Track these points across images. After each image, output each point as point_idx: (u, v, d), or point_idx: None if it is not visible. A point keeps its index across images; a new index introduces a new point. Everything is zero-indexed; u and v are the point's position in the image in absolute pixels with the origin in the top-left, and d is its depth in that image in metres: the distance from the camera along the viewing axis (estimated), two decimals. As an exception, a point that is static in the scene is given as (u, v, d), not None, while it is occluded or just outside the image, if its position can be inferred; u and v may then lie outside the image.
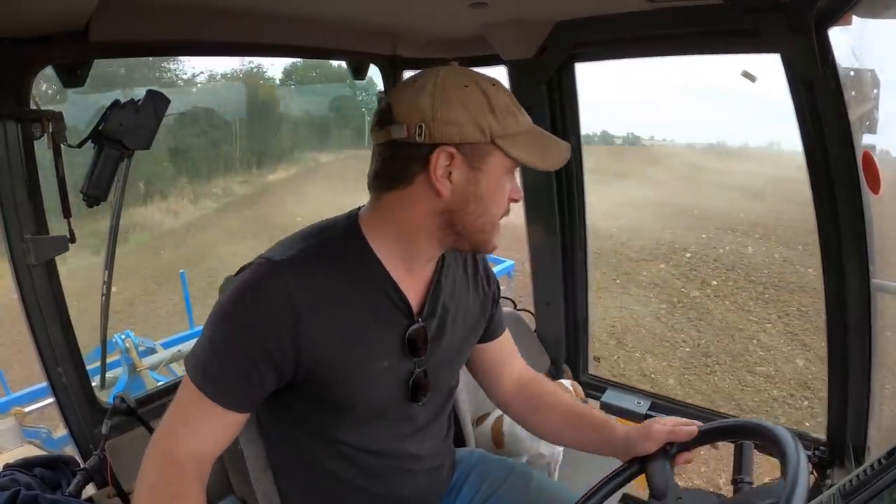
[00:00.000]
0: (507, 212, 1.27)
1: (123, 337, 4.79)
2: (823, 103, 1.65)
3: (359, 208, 1.29)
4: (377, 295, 1.23)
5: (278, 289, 1.13)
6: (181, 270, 7.42)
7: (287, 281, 1.14)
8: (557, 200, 2.51)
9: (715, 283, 9.40)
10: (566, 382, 2.23)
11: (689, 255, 10.32)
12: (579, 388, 2.27)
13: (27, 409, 3.86)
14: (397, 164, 1.17)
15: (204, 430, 1.17)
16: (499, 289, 1.54)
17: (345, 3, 1.88)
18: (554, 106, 2.38)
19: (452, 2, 1.86)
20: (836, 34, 1.54)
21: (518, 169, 1.27)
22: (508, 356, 1.61)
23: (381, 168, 1.20)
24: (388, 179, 1.20)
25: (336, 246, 1.22)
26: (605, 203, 11.56)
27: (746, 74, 1.98)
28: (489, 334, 1.53)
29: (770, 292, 8.93)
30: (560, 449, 2.20)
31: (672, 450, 1.31)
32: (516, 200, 1.28)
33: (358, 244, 1.22)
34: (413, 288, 1.28)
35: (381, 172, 1.20)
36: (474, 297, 1.44)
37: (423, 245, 1.24)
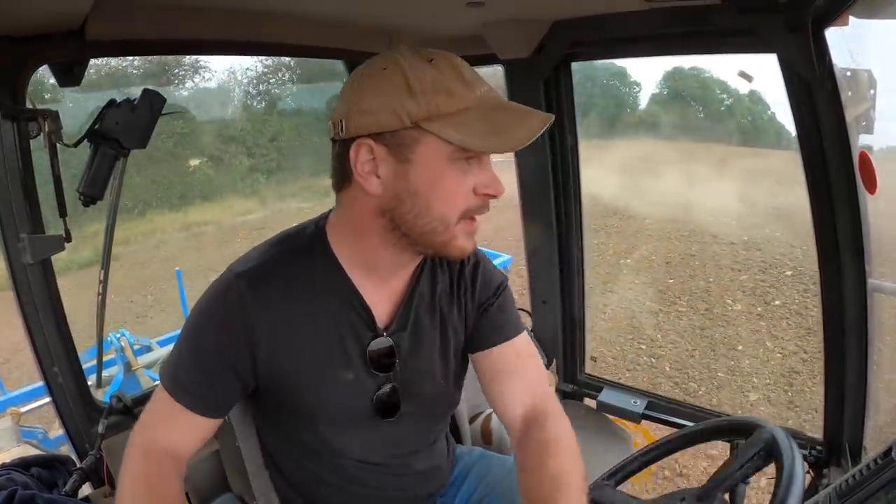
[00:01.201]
0: (478, 209, 1.14)
1: (118, 336, 4.77)
2: (820, 103, 1.66)
3: (329, 211, 1.26)
4: (340, 305, 1.20)
5: (233, 300, 1.15)
6: (177, 269, 7.35)
7: (242, 292, 1.14)
8: (554, 199, 2.51)
9: None
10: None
11: None
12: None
13: (23, 410, 3.86)
14: (337, 163, 1.15)
15: (177, 431, 1.20)
16: (496, 294, 1.37)
17: (341, 2, 1.87)
18: (551, 105, 2.37)
19: (449, 1, 1.85)
20: (832, 34, 1.54)
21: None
22: (503, 376, 1.35)
23: (332, 167, 1.17)
24: (335, 179, 1.18)
25: (300, 254, 1.21)
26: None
27: (743, 74, 1.98)
28: (479, 343, 1.36)
29: None
30: None
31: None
32: (491, 196, 1.14)
33: (322, 251, 1.20)
34: (382, 300, 1.24)
35: (332, 172, 1.18)
36: (464, 306, 1.34)
37: (380, 251, 1.17)
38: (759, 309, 7.92)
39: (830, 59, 1.57)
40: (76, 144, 1.69)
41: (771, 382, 6.16)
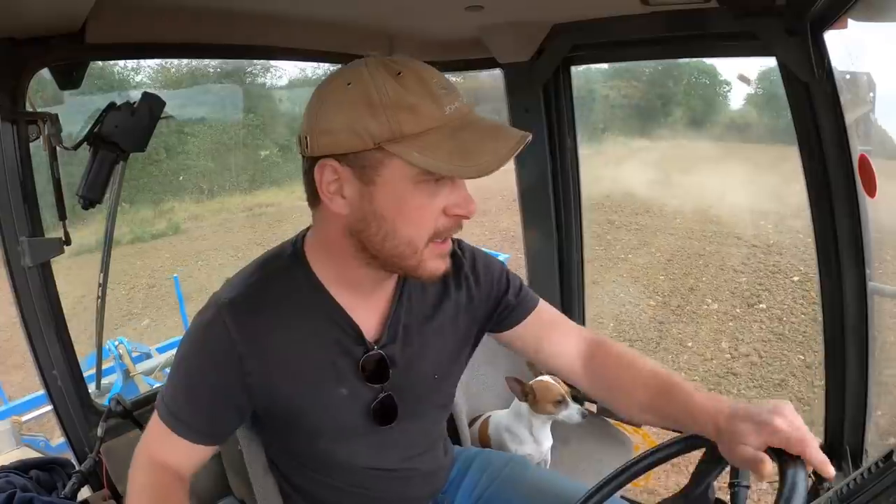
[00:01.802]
0: (448, 230, 1.09)
1: (116, 343, 4.78)
2: (819, 106, 1.66)
3: (307, 229, 1.24)
4: (326, 324, 1.19)
5: (219, 332, 1.13)
6: (174, 275, 7.63)
7: (227, 323, 1.12)
8: (554, 202, 2.51)
9: None
10: (547, 377, 2.22)
11: None
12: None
13: (24, 419, 3.87)
14: (305, 180, 1.11)
15: (175, 454, 1.20)
16: (505, 279, 1.40)
17: (340, 6, 1.87)
18: (550, 109, 2.38)
19: (448, 4, 1.86)
20: (831, 37, 1.54)
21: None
22: (548, 332, 1.42)
23: (304, 183, 1.13)
24: (308, 196, 1.14)
25: (281, 277, 1.19)
26: None
27: (742, 77, 1.98)
28: (509, 320, 1.41)
29: None
30: (547, 449, 2.21)
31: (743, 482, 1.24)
32: (463, 217, 1.09)
33: (302, 272, 1.18)
34: (368, 314, 1.23)
35: (305, 188, 1.14)
36: (458, 305, 1.34)
37: (356, 269, 1.15)
38: (737, 310, 8.02)
39: (829, 63, 1.57)
40: (76, 147, 1.68)
41: (698, 379, 6.22)
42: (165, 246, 11.92)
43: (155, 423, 1.20)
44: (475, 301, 1.36)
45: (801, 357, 6.67)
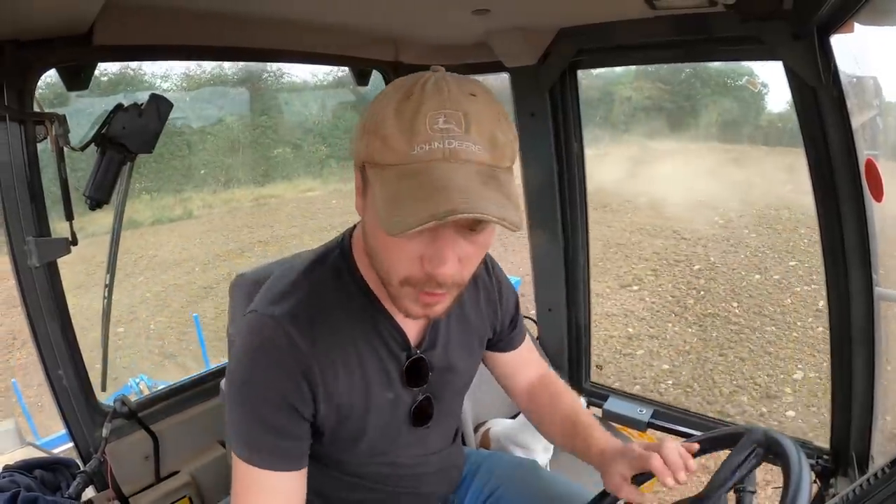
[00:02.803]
0: (422, 283, 1.00)
1: (138, 381, 4.79)
2: (826, 110, 1.66)
3: (354, 227, 1.21)
4: (375, 330, 1.17)
5: (284, 346, 1.09)
6: (194, 314, 8.03)
7: (292, 336, 1.09)
8: (560, 206, 2.51)
9: None
10: None
11: None
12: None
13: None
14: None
15: (276, 497, 1.12)
16: (516, 308, 1.45)
17: (347, 9, 1.88)
18: (556, 112, 2.38)
19: (455, 9, 1.86)
20: (838, 42, 1.54)
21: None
22: (521, 367, 1.54)
23: None
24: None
25: (332, 283, 1.16)
26: None
27: (751, 82, 1.98)
28: (501, 346, 1.48)
29: None
30: (547, 457, 2.21)
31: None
32: (432, 276, 0.97)
33: (351, 277, 1.16)
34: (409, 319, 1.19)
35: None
36: (484, 313, 1.36)
37: None
38: (607, 289, 8.73)
39: (836, 67, 1.57)
40: (83, 148, 1.69)
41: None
42: (178, 228, 13.30)
43: (237, 481, 1.12)
44: (497, 315, 1.40)
45: (630, 329, 7.56)
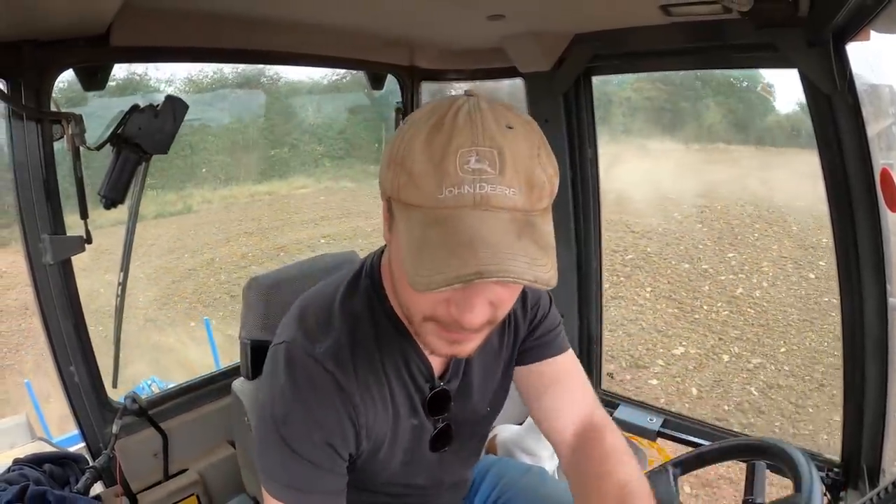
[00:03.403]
0: (447, 324, 0.95)
1: (150, 382, 4.81)
2: (841, 119, 1.64)
3: (382, 250, 1.17)
4: (404, 360, 1.15)
5: (328, 385, 1.07)
6: (205, 318, 8.40)
7: (335, 375, 1.07)
8: (573, 212, 2.50)
9: None
10: None
11: None
12: None
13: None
14: None
15: None
16: (546, 311, 1.31)
17: (362, 14, 1.89)
18: (570, 118, 2.38)
19: (470, 14, 1.87)
20: (853, 49, 1.53)
21: None
22: (561, 386, 1.31)
23: None
24: None
25: (364, 318, 1.12)
26: None
27: (765, 89, 1.97)
28: (530, 355, 1.31)
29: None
30: (554, 464, 2.19)
31: (677, 471, 1.28)
32: (458, 321, 0.93)
33: (381, 308, 1.13)
34: None
35: None
36: (504, 339, 1.29)
37: None
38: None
39: (851, 75, 1.55)
40: (99, 148, 1.71)
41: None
42: (178, 221, 14.07)
43: None
44: (519, 332, 1.30)
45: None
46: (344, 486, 1.13)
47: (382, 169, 0.93)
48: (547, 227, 0.89)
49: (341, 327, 1.11)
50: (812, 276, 9.56)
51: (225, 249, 12.59)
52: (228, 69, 13.99)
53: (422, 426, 1.21)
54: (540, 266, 0.83)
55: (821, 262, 9.72)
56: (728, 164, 12.89)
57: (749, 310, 8.89)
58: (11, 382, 8.01)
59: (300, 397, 1.06)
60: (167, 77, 13.21)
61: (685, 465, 1.33)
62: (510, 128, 0.86)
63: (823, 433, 6.12)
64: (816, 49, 1.57)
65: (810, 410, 6.78)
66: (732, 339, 7.73)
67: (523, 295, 1.26)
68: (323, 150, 16.56)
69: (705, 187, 12.00)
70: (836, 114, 1.64)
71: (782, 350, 7.88)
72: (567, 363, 1.33)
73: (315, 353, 1.08)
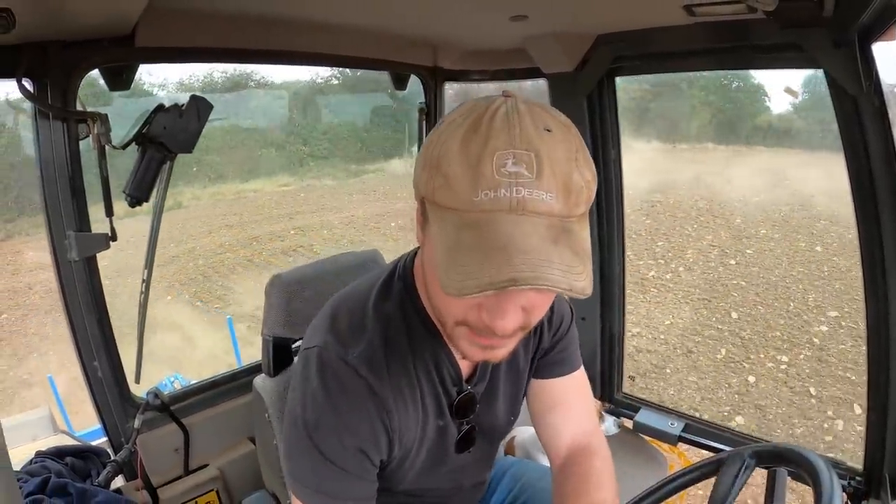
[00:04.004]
0: (480, 329, 0.94)
1: (173, 379, 4.86)
2: (867, 119, 1.61)
3: (415, 253, 1.17)
4: (435, 363, 1.15)
5: (365, 393, 1.07)
6: (228, 317, 8.96)
7: (369, 380, 1.07)
8: (597, 215, 2.48)
9: None
10: None
11: None
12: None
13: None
14: None
15: None
16: (568, 327, 1.34)
17: (386, 14, 1.90)
18: (594, 120, 2.35)
19: (493, 14, 1.87)
20: (879, 49, 1.50)
21: None
22: (566, 404, 1.35)
23: None
24: None
25: (397, 322, 1.12)
26: None
27: (789, 90, 1.94)
28: (545, 371, 1.34)
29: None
30: None
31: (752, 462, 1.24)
32: (491, 332, 0.92)
33: (414, 311, 1.13)
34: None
35: None
36: (528, 346, 1.30)
37: None
38: None
39: (878, 75, 1.53)
40: (124, 147, 1.73)
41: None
42: (169, 216, 14.94)
43: None
44: (543, 342, 1.31)
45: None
46: (374, 493, 1.14)
47: (417, 170, 0.92)
48: (584, 233, 0.87)
49: (374, 331, 1.10)
50: (733, 262, 10.31)
51: (206, 240, 14.01)
52: (218, 72, 15.32)
53: (447, 428, 1.21)
54: (575, 274, 0.81)
55: (748, 251, 10.50)
56: (705, 163, 13.62)
57: (652, 289, 9.77)
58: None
59: (332, 403, 1.06)
60: (160, 81, 13.92)
61: (707, 470, 1.30)
62: (548, 130, 0.85)
63: (683, 394, 7.31)
64: (842, 49, 1.54)
65: (667, 372, 7.82)
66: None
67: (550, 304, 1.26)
68: (308, 151, 18.06)
69: (665, 184, 12.59)
70: (861, 115, 1.61)
71: (667, 323, 8.86)
72: (578, 381, 1.37)
73: (348, 358, 1.07)
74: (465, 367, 1.19)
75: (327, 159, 18.30)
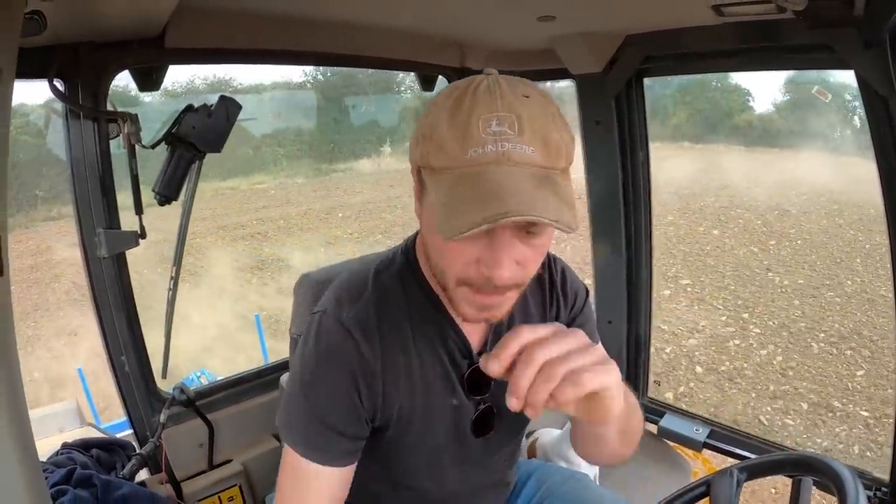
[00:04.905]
0: (479, 285, 0.98)
1: (199, 374, 4.92)
2: (898, 121, 1.57)
3: (417, 232, 1.19)
4: (440, 336, 1.17)
5: (350, 351, 1.10)
6: (256, 314, 9.06)
7: (359, 342, 1.10)
8: (624, 216, 2.46)
9: None
10: None
11: None
12: None
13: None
14: None
15: (315, 492, 1.15)
16: (583, 303, 1.34)
17: (414, 15, 1.91)
18: (622, 121, 2.33)
19: (520, 14, 1.86)
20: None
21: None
22: None
23: None
24: None
25: (396, 291, 1.16)
26: None
27: (820, 92, 1.91)
28: None
29: None
30: (593, 471, 2.15)
31: (742, 476, 1.24)
32: (489, 278, 0.96)
33: (416, 282, 1.16)
34: (474, 326, 1.19)
35: None
36: (548, 314, 1.30)
37: None
38: None
39: (909, 76, 1.49)
40: (154, 146, 1.77)
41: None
42: (150, 211, 16.11)
43: (283, 472, 1.16)
44: (560, 316, 1.31)
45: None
46: (359, 448, 1.17)
47: (412, 146, 1.00)
48: (567, 186, 0.94)
49: (369, 298, 1.14)
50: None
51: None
52: (200, 78, 16.61)
53: (462, 407, 1.21)
54: (562, 211, 0.88)
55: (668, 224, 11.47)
56: (675, 160, 14.12)
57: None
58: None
59: (322, 360, 1.12)
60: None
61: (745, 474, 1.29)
62: (527, 97, 0.93)
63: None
64: (873, 50, 1.51)
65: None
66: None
67: (563, 278, 1.31)
68: (284, 151, 19.64)
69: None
70: (892, 116, 1.57)
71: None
72: None
73: (340, 318, 1.12)
74: (475, 340, 1.20)
75: (301, 159, 19.93)
